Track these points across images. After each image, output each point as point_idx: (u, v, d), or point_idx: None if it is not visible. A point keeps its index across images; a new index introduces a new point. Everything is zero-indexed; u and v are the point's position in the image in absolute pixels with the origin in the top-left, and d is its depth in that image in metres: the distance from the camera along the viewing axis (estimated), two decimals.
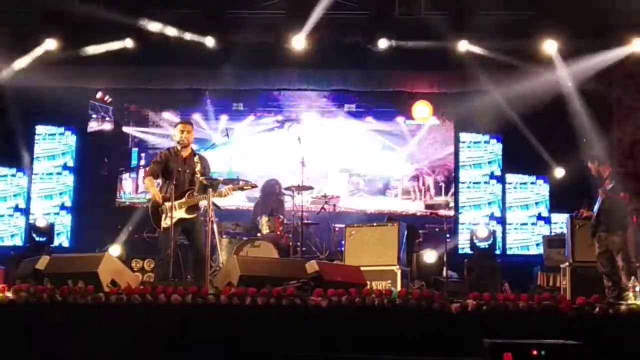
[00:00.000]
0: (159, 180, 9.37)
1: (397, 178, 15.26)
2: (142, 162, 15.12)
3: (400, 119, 15.11)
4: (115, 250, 11.84)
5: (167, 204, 8.93)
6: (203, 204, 9.03)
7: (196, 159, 9.25)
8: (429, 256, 11.98)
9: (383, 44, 13.31)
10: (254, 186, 9.75)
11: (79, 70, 13.88)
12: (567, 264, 10.47)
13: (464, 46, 13.26)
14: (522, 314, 6.91)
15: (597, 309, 6.93)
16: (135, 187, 15.03)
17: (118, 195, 14.99)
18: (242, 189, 9.51)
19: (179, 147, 9.31)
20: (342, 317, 7.03)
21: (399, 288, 9.77)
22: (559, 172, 13.60)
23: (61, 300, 7.12)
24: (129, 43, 13.28)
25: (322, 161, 15.01)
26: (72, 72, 13.85)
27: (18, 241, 13.91)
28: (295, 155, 11.99)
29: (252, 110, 15.26)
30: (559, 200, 13.49)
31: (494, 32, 12.81)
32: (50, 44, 13.23)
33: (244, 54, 13.39)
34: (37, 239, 12.89)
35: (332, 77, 14.10)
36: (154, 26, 13.07)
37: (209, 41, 13.32)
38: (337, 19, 13.32)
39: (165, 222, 8.96)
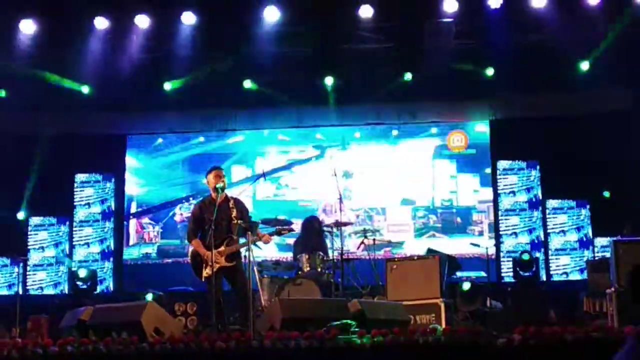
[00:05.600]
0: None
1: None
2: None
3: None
4: (150, 296, 11.93)
5: (207, 254, 8.95)
6: (244, 249, 9.04)
7: (231, 203, 9.26)
8: (465, 285, 11.90)
9: (409, 75, 13.42)
10: (291, 230, 9.76)
11: (114, 117, 14.26)
12: (612, 289, 10.30)
13: (491, 72, 13.38)
14: (570, 347, 6.81)
15: None
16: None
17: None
18: (279, 234, 9.54)
19: (214, 195, 9.26)
20: (387, 358, 6.98)
21: (443, 321, 9.72)
22: (606, 194, 13.45)
23: (106, 352, 7.15)
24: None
25: (375, 193, 13.95)
26: (107, 118, 14.23)
27: (61, 289, 14.10)
28: (335, 189, 11.45)
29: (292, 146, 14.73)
30: (600, 224, 13.35)
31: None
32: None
33: (277, 93, 13.57)
34: (80, 286, 13.02)
35: (367, 112, 14.11)
36: None
37: (247, 83, 13.54)
38: (365, 52, 13.41)
39: (206, 272, 8.98)
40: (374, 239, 12.10)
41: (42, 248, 14.23)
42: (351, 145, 14.50)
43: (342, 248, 11.32)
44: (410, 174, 14.11)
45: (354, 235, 12.52)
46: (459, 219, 14.09)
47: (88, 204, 14.43)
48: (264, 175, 11.76)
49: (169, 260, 14.46)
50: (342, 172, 12.27)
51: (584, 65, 13.19)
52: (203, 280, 9.07)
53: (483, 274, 12.52)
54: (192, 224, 9.40)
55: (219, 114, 14.46)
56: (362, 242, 12.07)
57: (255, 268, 9.53)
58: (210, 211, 9.08)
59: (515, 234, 13.88)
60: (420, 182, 14.06)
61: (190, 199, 14.40)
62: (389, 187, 14.04)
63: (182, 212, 14.55)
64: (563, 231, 13.76)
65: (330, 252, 11.53)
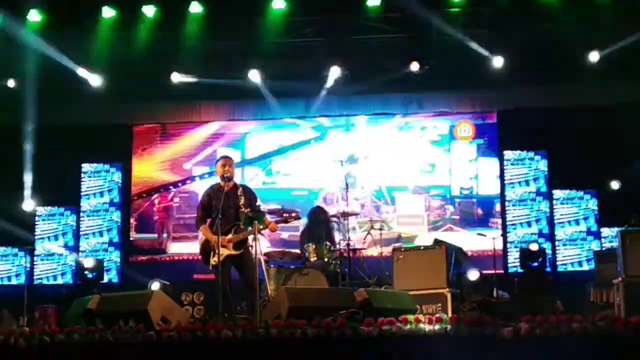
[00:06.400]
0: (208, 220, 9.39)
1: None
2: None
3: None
4: (156, 285, 11.94)
5: (214, 239, 8.96)
6: (251, 237, 9.04)
7: (239, 191, 9.28)
8: (472, 275, 11.87)
9: (416, 66, 13.32)
10: (297, 217, 9.76)
11: (122, 107, 14.28)
12: (619, 279, 10.28)
13: (499, 62, 13.28)
14: (576, 336, 6.80)
15: None
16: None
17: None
18: (286, 221, 9.56)
19: (222, 183, 9.30)
20: (394, 346, 6.99)
21: (449, 311, 9.71)
22: (614, 185, 13.41)
23: (112, 340, 7.17)
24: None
25: (383, 180, 12.88)
26: (115, 108, 14.25)
27: (68, 279, 14.13)
28: (341, 177, 11.40)
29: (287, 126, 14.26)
30: (608, 214, 13.32)
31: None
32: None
33: (285, 83, 13.55)
34: (87, 275, 13.04)
35: (373, 101, 14.07)
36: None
37: (253, 73, 13.52)
38: (374, 42, 13.40)
39: (214, 260, 8.99)
40: (380, 231, 12.01)
41: (49, 238, 14.25)
42: (355, 127, 13.71)
43: (348, 238, 11.32)
44: (423, 158, 13.10)
45: (359, 228, 12.35)
46: (479, 210, 13.22)
47: (95, 193, 14.44)
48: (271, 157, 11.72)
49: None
50: (346, 157, 11.96)
51: (593, 56, 13.14)
52: (210, 268, 9.08)
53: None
54: (200, 211, 9.43)
55: (225, 104, 14.47)
56: (369, 233, 11.97)
57: (261, 258, 9.54)
58: (218, 198, 9.11)
59: (522, 224, 13.84)
60: (435, 167, 13.10)
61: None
62: (399, 173, 12.96)
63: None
64: (570, 221, 13.73)
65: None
